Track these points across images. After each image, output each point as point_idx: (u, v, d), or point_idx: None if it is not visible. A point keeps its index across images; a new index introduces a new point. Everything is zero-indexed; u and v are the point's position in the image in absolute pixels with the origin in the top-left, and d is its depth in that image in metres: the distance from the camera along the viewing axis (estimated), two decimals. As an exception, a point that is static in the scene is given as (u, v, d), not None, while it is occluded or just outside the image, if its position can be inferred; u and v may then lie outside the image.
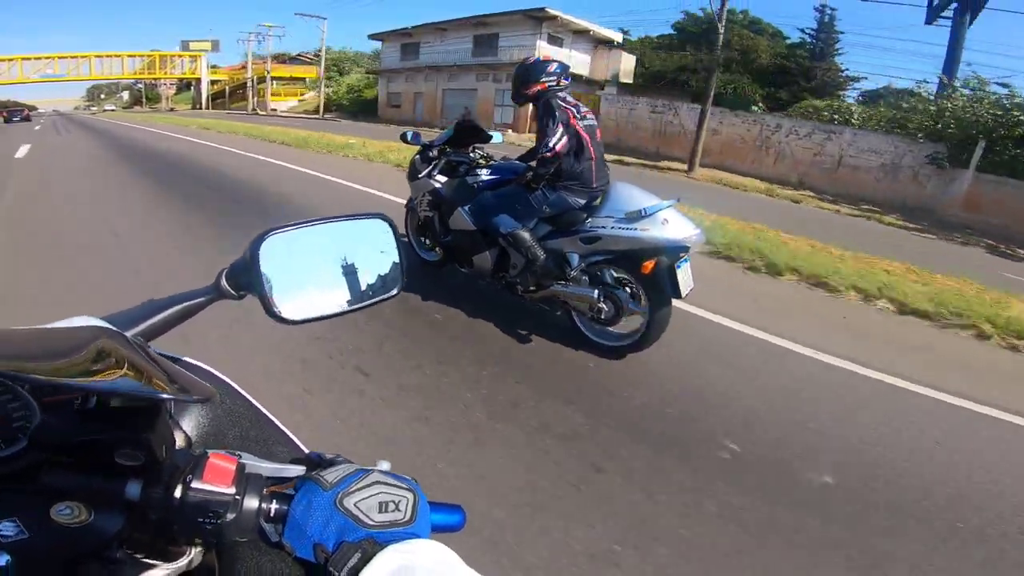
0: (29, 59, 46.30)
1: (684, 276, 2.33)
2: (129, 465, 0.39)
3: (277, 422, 0.62)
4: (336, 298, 0.62)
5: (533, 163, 2.65)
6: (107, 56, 49.18)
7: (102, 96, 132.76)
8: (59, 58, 47.09)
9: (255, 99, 41.29)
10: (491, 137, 3.27)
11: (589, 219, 2.51)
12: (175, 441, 0.49)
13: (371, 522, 0.37)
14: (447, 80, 28.03)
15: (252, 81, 40.33)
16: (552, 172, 2.52)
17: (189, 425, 0.55)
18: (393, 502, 0.39)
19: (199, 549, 0.46)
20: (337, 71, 46.43)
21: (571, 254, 2.54)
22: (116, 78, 52.10)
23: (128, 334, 0.48)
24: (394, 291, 0.67)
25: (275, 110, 40.71)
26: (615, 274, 2.54)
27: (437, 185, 3.07)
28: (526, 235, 2.56)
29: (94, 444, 0.38)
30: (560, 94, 2.58)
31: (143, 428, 0.39)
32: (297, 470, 0.44)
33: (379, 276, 0.66)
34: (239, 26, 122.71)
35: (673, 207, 2.36)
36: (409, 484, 0.41)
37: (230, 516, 0.38)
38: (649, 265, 2.33)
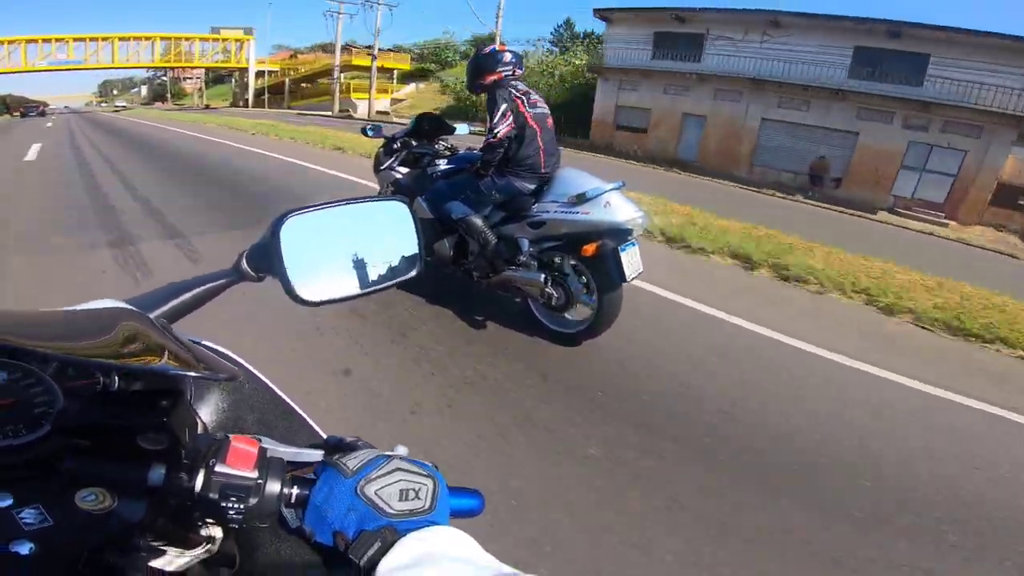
0: (35, 41, 35.31)
1: (630, 259, 2.34)
2: (152, 450, 0.38)
3: (295, 406, 0.61)
4: (354, 280, 0.62)
5: None
6: (133, 38, 38.21)
7: (115, 92, 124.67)
8: (74, 41, 36.14)
9: (338, 95, 30.35)
10: (454, 129, 3.31)
11: (535, 204, 2.56)
12: (196, 425, 0.48)
13: (391, 511, 0.37)
14: (771, 105, 17.89)
15: (338, 72, 29.30)
16: (500, 158, 2.62)
17: (209, 410, 0.55)
18: (414, 490, 0.39)
19: (219, 536, 0.46)
20: (436, 62, 35.53)
21: (521, 239, 2.59)
22: (143, 66, 41.79)
23: (151, 316, 0.49)
24: (412, 273, 0.66)
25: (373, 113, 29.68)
26: (571, 260, 2.55)
27: (398, 176, 3.17)
28: (478, 221, 2.62)
29: (117, 429, 0.38)
30: (513, 82, 2.61)
31: (165, 412, 0.39)
32: (316, 455, 0.44)
33: (397, 258, 0.66)
34: (267, 14, 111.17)
35: (617, 190, 2.40)
36: (429, 470, 0.41)
37: (253, 500, 0.38)
38: (590, 248, 2.36)
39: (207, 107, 50.06)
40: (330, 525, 0.37)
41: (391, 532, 0.35)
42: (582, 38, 29.44)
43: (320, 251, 0.60)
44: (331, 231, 0.62)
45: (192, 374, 0.40)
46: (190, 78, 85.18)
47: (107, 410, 0.39)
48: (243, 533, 0.49)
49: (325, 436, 0.52)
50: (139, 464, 0.38)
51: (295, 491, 0.40)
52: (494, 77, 2.59)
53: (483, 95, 2.67)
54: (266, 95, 40.36)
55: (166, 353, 0.39)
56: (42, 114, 32.63)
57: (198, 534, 0.44)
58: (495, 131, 2.49)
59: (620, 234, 2.35)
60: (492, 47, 2.69)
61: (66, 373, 0.39)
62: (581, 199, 2.38)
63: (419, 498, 0.39)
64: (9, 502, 0.35)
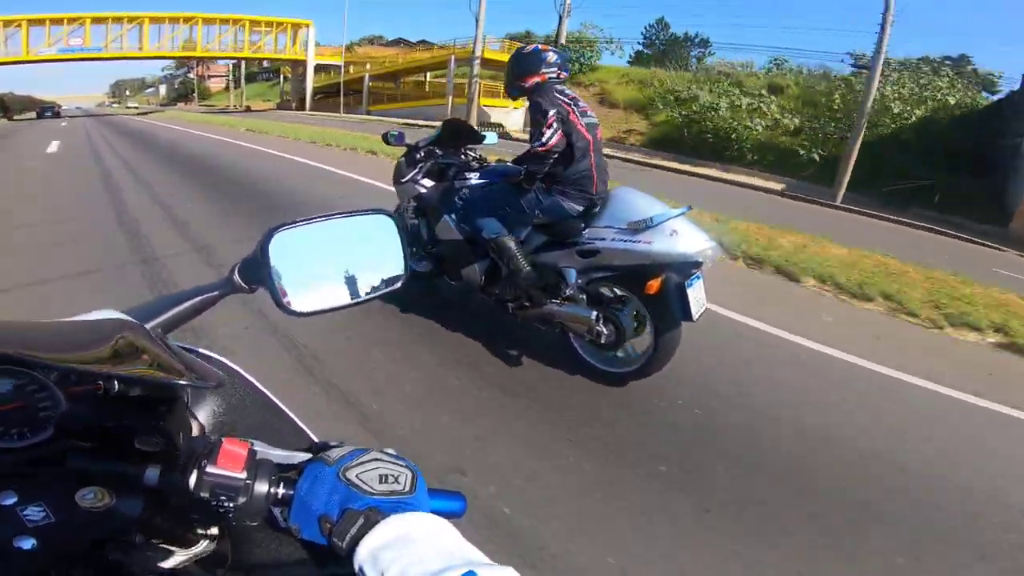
0: (42, 22, 26.50)
1: (696, 295, 2.07)
2: (148, 451, 0.40)
3: (288, 412, 0.63)
4: (342, 291, 0.64)
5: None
6: (168, 19, 29.36)
7: (128, 92, 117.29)
8: (92, 22, 27.25)
9: (476, 102, 21.27)
10: (483, 137, 2.89)
11: (587, 229, 2.20)
12: (192, 429, 0.50)
13: (372, 491, 0.38)
14: None
15: (476, 68, 19.79)
16: (546, 173, 2.27)
17: (205, 414, 0.57)
18: (392, 475, 0.40)
19: (213, 535, 0.48)
20: (576, 63, 26.54)
21: (567, 269, 2.26)
22: (178, 56, 32.89)
23: (147, 326, 0.50)
24: (397, 284, 0.68)
25: (500, 127, 19.50)
26: (618, 292, 2.28)
27: (422, 190, 2.80)
28: (511, 243, 2.31)
29: (116, 431, 0.40)
30: (558, 87, 2.30)
31: (162, 416, 0.41)
32: (304, 457, 0.45)
33: (383, 269, 0.68)
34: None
35: (684, 216, 2.08)
36: (408, 464, 0.42)
37: (241, 499, 0.40)
38: (655, 284, 2.06)
39: (248, 109, 41.59)
40: (315, 512, 0.38)
41: (375, 512, 0.36)
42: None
43: (308, 264, 0.62)
44: (318, 245, 0.63)
45: (181, 382, 0.42)
46: (215, 76, 77.34)
47: (107, 414, 0.41)
48: (237, 533, 0.51)
49: (316, 439, 0.56)
50: (136, 464, 0.40)
51: (282, 490, 0.41)
52: (536, 79, 2.29)
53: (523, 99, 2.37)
54: (342, 94, 31.68)
55: (158, 362, 0.41)
56: (57, 115, 32.62)
57: (194, 533, 0.46)
58: (543, 139, 2.15)
59: (686, 267, 2.04)
60: (535, 46, 2.40)
61: (68, 379, 0.41)
62: (643, 226, 2.02)
63: (398, 482, 0.40)
64: (14, 500, 0.37)
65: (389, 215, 0.69)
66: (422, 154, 2.78)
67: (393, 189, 3.07)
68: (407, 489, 0.39)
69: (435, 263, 2.76)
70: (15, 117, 32.55)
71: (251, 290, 0.61)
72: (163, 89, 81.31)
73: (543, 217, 2.29)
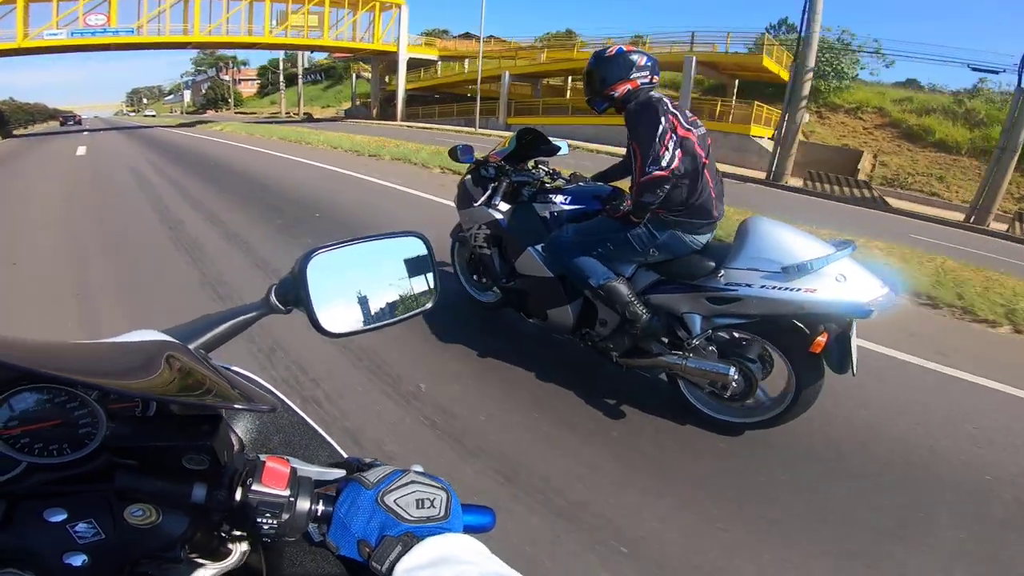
0: None
1: (855, 346, 1.69)
2: (195, 469, 0.41)
3: (318, 428, 0.63)
4: (375, 312, 0.64)
5: (623, 185, 2.22)
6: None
7: (145, 100, 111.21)
8: None
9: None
10: (558, 148, 2.51)
11: (721, 272, 1.80)
12: (233, 446, 0.50)
13: (409, 517, 0.39)
14: None
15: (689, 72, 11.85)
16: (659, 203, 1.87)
17: (240, 431, 0.57)
18: (429, 499, 0.41)
19: (244, 549, 0.48)
20: (828, 78, 18.47)
21: (690, 316, 1.87)
22: (240, 43, 24.25)
23: (191, 347, 0.51)
24: (428, 304, 0.68)
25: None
26: (738, 335, 1.92)
27: (498, 216, 2.36)
28: (624, 289, 1.94)
29: (163, 449, 0.40)
30: (655, 95, 1.89)
31: (208, 435, 0.41)
32: (339, 473, 0.47)
33: (414, 290, 0.68)
34: None
35: (849, 256, 1.70)
36: (442, 484, 0.43)
37: (285, 516, 0.41)
38: (822, 342, 1.69)
39: (309, 117, 33.21)
40: (354, 535, 0.39)
41: (411, 537, 0.37)
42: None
43: (343, 286, 0.62)
44: (353, 267, 0.64)
45: (237, 407, 0.42)
46: (245, 79, 69.31)
47: (150, 432, 0.41)
48: (268, 547, 0.51)
49: (346, 456, 0.56)
50: (183, 482, 0.40)
51: (321, 507, 0.42)
52: (627, 86, 1.91)
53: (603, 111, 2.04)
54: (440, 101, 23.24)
55: (210, 386, 0.41)
56: (79, 123, 34.32)
57: (227, 547, 0.47)
58: (661, 161, 1.75)
59: (854, 317, 1.67)
60: (618, 47, 1.98)
61: (108, 397, 0.41)
62: (803, 270, 1.66)
63: (434, 506, 0.41)
64: (63, 516, 0.37)
65: (421, 237, 0.68)
66: (491, 171, 2.38)
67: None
68: (442, 514, 0.41)
69: (508, 297, 2.41)
70: (20, 131, 24.92)
71: (287, 311, 0.61)
72: (187, 95, 73.36)
73: (659, 255, 1.93)
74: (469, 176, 2.53)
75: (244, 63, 70.11)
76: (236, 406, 0.41)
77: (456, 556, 0.36)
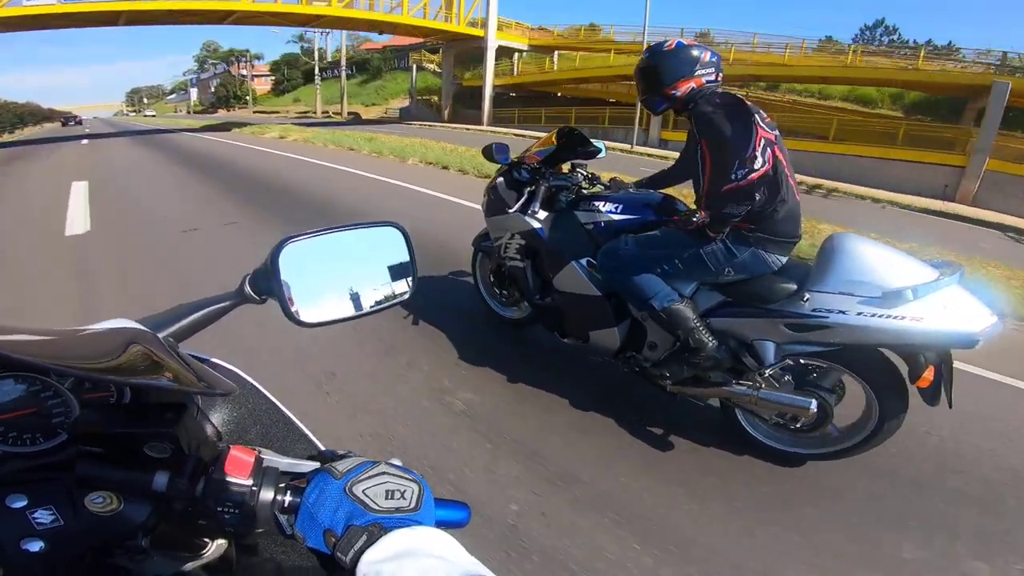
0: None
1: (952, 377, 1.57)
2: (157, 457, 0.41)
3: (297, 421, 0.63)
4: (351, 302, 0.63)
5: (675, 196, 2.02)
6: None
7: (145, 100, 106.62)
8: None
9: None
10: (599, 150, 2.22)
11: (807, 295, 1.57)
12: (202, 436, 0.49)
13: (378, 508, 0.38)
14: None
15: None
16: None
17: (215, 422, 0.56)
18: (399, 490, 0.40)
19: (221, 542, 0.48)
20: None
21: (762, 343, 1.64)
22: (291, 13, 18.99)
23: (160, 335, 0.51)
24: (405, 296, 0.67)
25: None
26: (813, 363, 1.70)
27: (536, 225, 2.09)
28: (689, 312, 1.71)
29: (127, 437, 0.40)
30: (727, 92, 1.68)
31: (172, 423, 0.41)
32: (312, 465, 0.46)
33: (391, 280, 0.67)
34: None
35: (957, 282, 1.48)
36: (415, 477, 0.42)
37: (247, 506, 0.40)
38: (929, 378, 1.50)
39: (356, 118, 28.11)
40: (320, 524, 0.38)
41: (377, 528, 0.36)
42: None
43: (318, 275, 0.61)
44: (328, 256, 0.63)
45: (192, 390, 0.42)
46: (257, 75, 63.52)
47: (118, 420, 0.41)
48: (243, 539, 0.51)
49: (323, 448, 0.56)
50: (145, 470, 0.40)
51: (288, 498, 0.41)
52: (691, 84, 1.67)
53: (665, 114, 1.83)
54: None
55: (167, 370, 0.41)
56: (79, 123, 36.25)
57: (201, 540, 0.47)
58: (748, 167, 1.48)
59: (957, 347, 1.48)
60: (678, 41, 1.76)
61: (82, 386, 0.42)
62: (904, 297, 1.46)
63: (404, 498, 0.39)
64: (24, 503, 0.37)
65: (399, 227, 0.67)
66: (525, 173, 2.15)
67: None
68: (412, 505, 0.39)
69: (540, 314, 2.19)
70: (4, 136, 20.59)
71: (261, 301, 0.60)
72: (194, 93, 67.58)
73: (735, 275, 1.68)
74: (501, 179, 2.26)
75: (258, 57, 64.13)
76: (189, 389, 0.41)
77: (423, 549, 0.34)
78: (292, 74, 54.15)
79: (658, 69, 1.70)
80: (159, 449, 0.40)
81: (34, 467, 0.40)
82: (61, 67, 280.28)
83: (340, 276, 0.63)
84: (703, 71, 1.67)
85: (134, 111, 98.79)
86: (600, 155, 2.23)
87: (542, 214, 2.07)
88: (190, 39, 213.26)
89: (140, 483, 0.40)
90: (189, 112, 64.11)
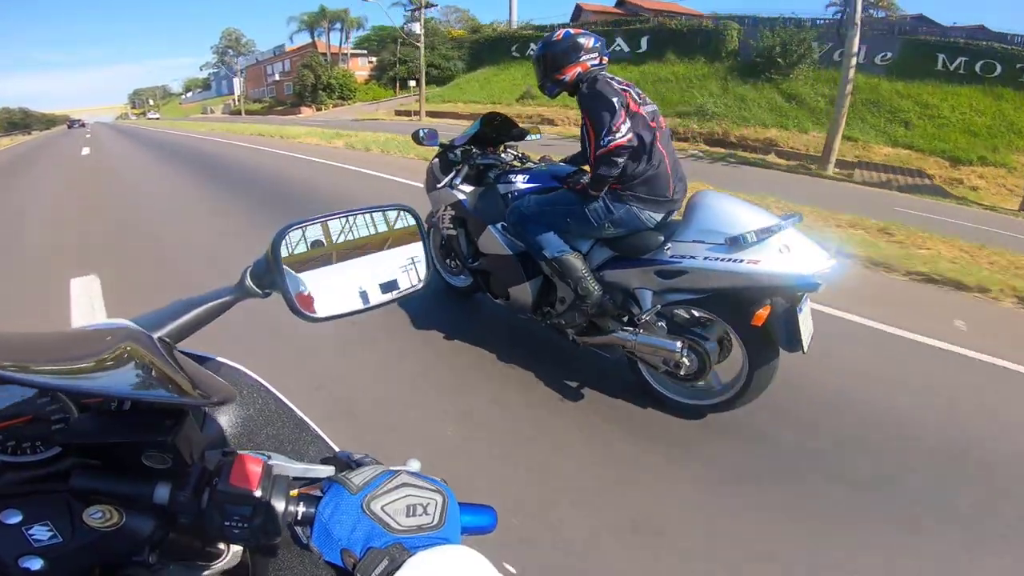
0: None
1: (806, 321, 1.73)
2: (158, 468, 0.39)
3: (309, 422, 0.60)
4: (360, 293, 0.60)
5: (585, 167, 2.19)
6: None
7: (150, 101, 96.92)
8: None
9: None
10: (526, 133, 2.61)
11: (668, 244, 1.86)
12: (205, 443, 0.47)
13: (399, 527, 0.36)
14: None
15: None
16: (616, 176, 1.92)
17: (222, 424, 0.55)
18: (421, 505, 0.38)
19: (237, 549, 0.46)
20: None
21: (641, 291, 1.95)
22: None
23: (156, 335, 0.48)
24: (419, 284, 0.63)
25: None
26: (697, 314, 1.97)
27: (461, 197, 2.47)
28: (577, 262, 2.02)
29: (125, 447, 0.38)
30: (606, 74, 1.98)
31: (170, 431, 0.39)
32: (326, 470, 0.44)
33: (404, 268, 0.63)
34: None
35: (794, 226, 1.72)
36: (438, 485, 0.40)
37: (256, 519, 0.38)
38: (763, 315, 1.70)
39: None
40: (337, 542, 0.36)
41: (399, 550, 0.34)
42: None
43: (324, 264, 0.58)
44: (334, 244, 0.59)
45: (185, 401, 0.39)
46: (356, 54, 45.03)
47: (114, 428, 0.39)
48: (259, 548, 0.48)
49: (337, 450, 0.53)
50: (145, 482, 0.38)
51: (301, 508, 0.39)
52: (577, 69, 1.98)
53: (559, 95, 2.11)
54: None
55: (159, 376, 0.38)
56: (83, 125, 41.57)
57: (214, 549, 0.44)
58: (612, 135, 1.81)
59: (800, 290, 1.69)
60: (565, 30, 2.06)
61: (82, 391, 0.39)
62: (746, 241, 1.68)
63: (427, 513, 0.37)
64: (19, 518, 0.35)
65: (411, 210, 0.63)
66: (457, 154, 2.49)
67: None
68: (436, 521, 0.37)
69: (476, 278, 2.53)
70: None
71: (264, 295, 0.57)
72: (238, 84, 53.82)
73: (614, 230, 1.98)
74: (436, 160, 2.60)
75: (359, 24, 43.40)
76: (182, 399, 0.38)
77: (451, 572, 0.32)
78: (410, 53, 34.08)
79: (548, 57, 2.01)
80: (158, 459, 0.38)
81: (27, 480, 0.38)
82: (58, 71, 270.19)
83: (349, 265, 0.59)
84: (587, 56, 1.96)
85: (139, 113, 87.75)
86: (533, 138, 2.62)
87: (467, 188, 2.42)
88: (191, 39, 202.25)
89: (140, 496, 0.37)
90: (240, 112, 47.14)
